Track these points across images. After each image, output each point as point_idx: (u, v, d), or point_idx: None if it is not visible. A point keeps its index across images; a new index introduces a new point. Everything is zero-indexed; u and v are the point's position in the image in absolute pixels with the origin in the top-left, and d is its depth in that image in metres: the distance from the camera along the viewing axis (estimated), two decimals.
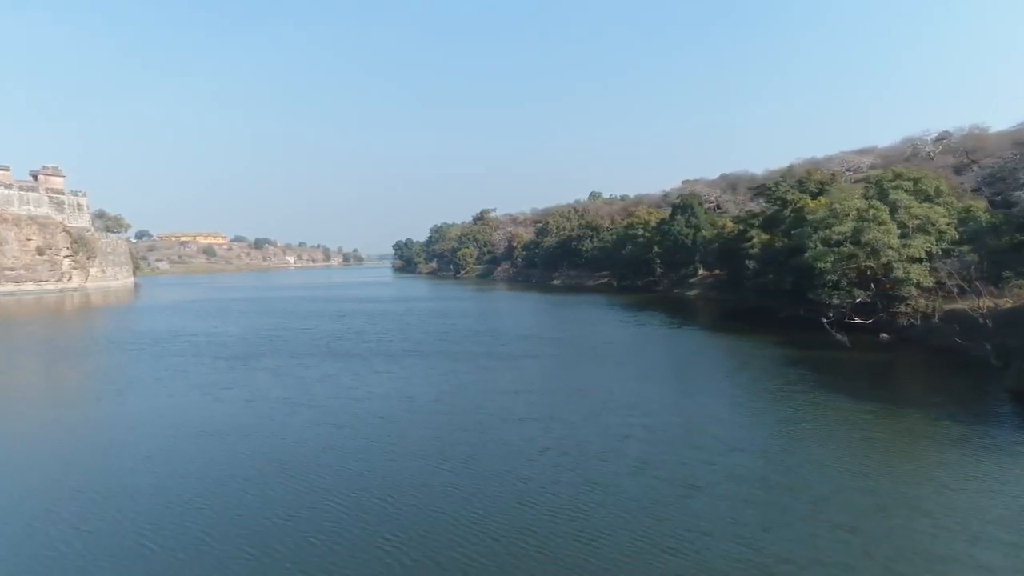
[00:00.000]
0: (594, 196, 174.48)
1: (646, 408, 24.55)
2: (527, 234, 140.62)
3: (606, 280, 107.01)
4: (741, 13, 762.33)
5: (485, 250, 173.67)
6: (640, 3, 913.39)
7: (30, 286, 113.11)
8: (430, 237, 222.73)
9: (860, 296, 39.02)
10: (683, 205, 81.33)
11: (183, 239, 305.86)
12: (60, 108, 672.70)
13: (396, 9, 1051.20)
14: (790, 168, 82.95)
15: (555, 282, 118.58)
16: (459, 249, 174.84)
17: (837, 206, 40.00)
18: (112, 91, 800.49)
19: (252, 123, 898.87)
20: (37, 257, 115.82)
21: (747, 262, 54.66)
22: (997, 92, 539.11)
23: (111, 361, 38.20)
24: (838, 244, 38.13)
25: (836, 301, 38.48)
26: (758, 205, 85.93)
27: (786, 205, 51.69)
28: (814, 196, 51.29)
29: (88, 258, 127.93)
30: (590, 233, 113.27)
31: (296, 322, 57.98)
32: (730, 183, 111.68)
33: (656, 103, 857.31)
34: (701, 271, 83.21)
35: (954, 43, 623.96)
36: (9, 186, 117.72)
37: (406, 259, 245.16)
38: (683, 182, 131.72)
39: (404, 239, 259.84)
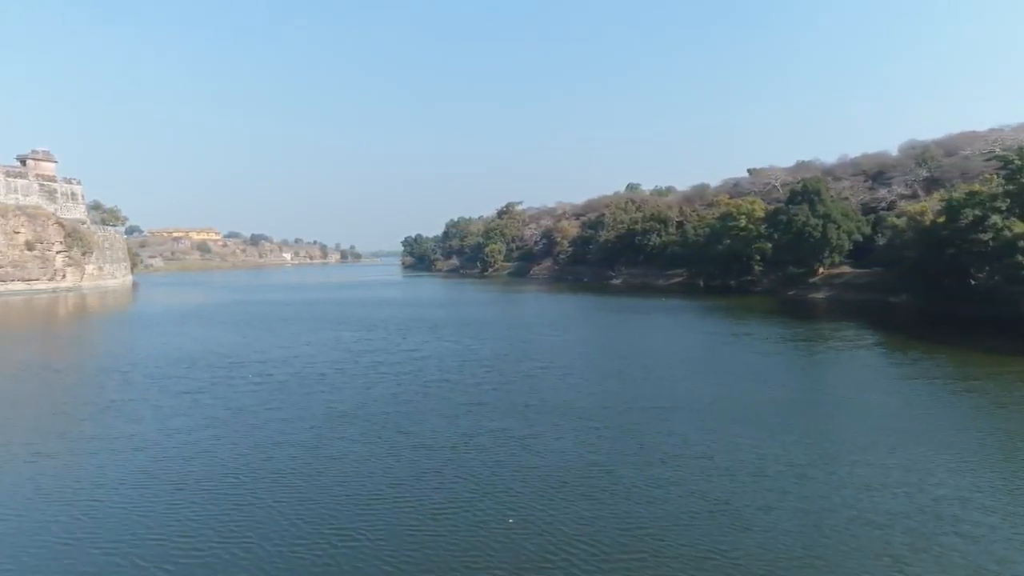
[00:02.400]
0: (632, 188, 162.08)
1: None
2: (572, 228, 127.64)
3: (682, 279, 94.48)
4: (740, 13, 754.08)
5: (513, 246, 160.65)
6: (639, 3, 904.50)
7: (18, 285, 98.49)
8: (446, 232, 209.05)
9: None
10: (805, 191, 68.87)
11: (175, 235, 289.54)
12: (45, 95, 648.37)
13: (395, 9, 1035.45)
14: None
15: (614, 281, 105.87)
16: (485, 245, 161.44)
17: None
18: (102, 79, 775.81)
19: (247, 119, 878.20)
20: (26, 253, 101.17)
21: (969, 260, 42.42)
22: (998, 91, 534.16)
23: (118, 424, 24.84)
24: None
25: None
26: (888, 192, 73.91)
27: None
28: None
29: (84, 254, 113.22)
30: (658, 226, 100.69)
31: (339, 333, 44.85)
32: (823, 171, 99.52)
33: (656, 102, 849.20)
34: (821, 269, 70.95)
35: (959, 40, 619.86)
36: None
37: (417, 256, 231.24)
38: (749, 170, 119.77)
39: (414, 235, 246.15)
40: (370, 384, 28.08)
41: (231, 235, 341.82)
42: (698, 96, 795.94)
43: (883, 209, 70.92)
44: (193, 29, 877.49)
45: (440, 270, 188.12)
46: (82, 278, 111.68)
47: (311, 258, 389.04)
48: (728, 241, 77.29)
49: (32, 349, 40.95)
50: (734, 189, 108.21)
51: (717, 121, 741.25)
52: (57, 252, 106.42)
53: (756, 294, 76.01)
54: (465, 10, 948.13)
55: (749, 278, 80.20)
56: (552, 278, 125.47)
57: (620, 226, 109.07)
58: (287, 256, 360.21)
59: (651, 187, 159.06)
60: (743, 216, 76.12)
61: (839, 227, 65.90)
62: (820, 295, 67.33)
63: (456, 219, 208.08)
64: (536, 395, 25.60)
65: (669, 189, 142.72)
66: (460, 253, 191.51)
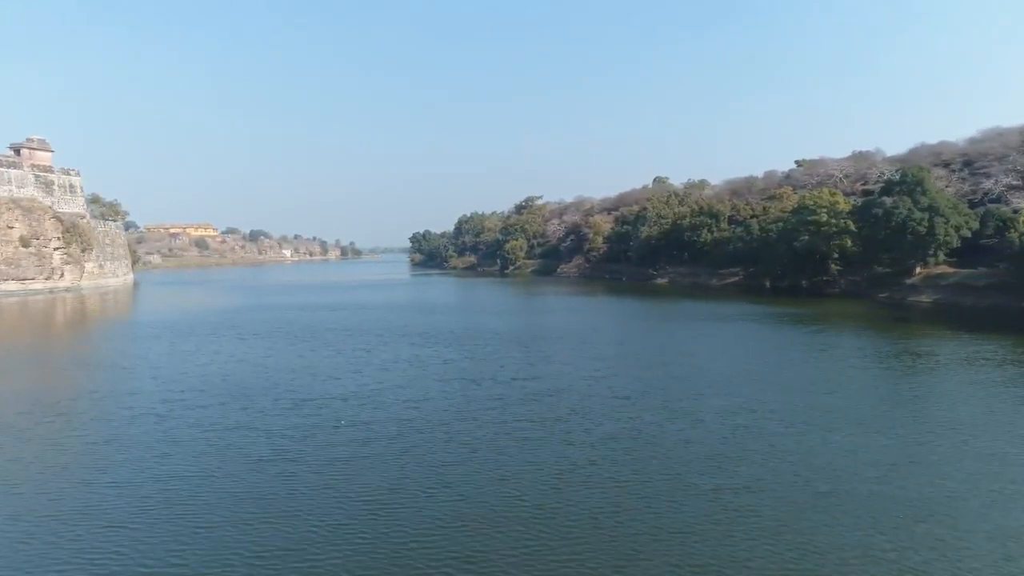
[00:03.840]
0: (659, 181, 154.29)
1: None
2: (605, 223, 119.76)
3: (738, 279, 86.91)
4: (737, 13, 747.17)
5: (535, 242, 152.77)
6: (634, 3, 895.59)
7: (13, 285, 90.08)
8: (459, 228, 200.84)
9: None
10: (904, 181, 61.31)
11: (172, 231, 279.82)
12: (38, 86, 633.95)
13: (393, 9, 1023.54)
14: None
15: (658, 281, 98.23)
16: (505, 241, 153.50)
17: None
18: (96, 68, 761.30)
19: (246, 116, 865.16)
20: (21, 249, 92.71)
21: None
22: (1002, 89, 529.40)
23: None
24: None
25: None
26: (994, 183, 66.49)
27: None
28: None
29: (83, 251, 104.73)
30: (709, 221, 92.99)
31: (411, 349, 36.95)
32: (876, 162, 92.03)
33: (642, 101, 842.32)
34: (918, 268, 63.49)
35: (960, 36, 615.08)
36: None
37: (427, 252, 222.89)
38: (797, 162, 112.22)
39: (421, 231, 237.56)
40: (527, 438, 20.24)
41: (229, 231, 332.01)
42: (706, 88, 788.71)
43: (991, 201, 63.47)
44: (190, 24, 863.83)
45: (455, 268, 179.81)
46: (81, 277, 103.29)
47: (311, 255, 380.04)
48: (806, 237, 69.62)
49: (18, 381, 29.96)
50: (786, 181, 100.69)
51: (720, 116, 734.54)
52: (54, 249, 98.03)
53: (833, 296, 68.52)
54: (463, 9, 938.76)
55: (824, 278, 72.69)
56: (583, 277, 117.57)
57: (663, 221, 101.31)
58: (287, 253, 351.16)
59: (678, 181, 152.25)
60: (823, 209, 68.43)
61: (947, 221, 58.38)
62: (923, 298, 59.81)
63: (469, 214, 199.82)
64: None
65: (703, 182, 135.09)
66: (475, 250, 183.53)
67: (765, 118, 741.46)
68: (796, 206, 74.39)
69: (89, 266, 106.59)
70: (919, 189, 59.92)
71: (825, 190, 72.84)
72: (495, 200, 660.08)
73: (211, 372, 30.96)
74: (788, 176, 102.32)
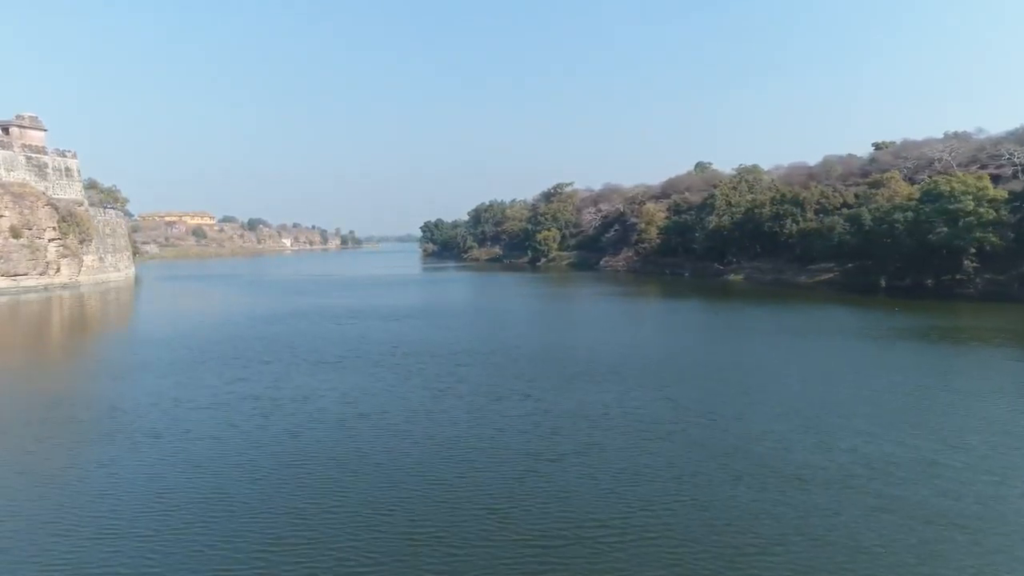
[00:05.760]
0: (701, 167, 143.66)
1: None
2: (658, 211, 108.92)
3: (833, 276, 76.54)
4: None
5: (567, 232, 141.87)
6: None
7: (3, 282, 78.43)
8: (477, 217, 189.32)
9: None
10: None
11: (168, 219, 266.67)
12: (20, 61, 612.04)
13: (392, 6, 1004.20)
14: None
15: (731, 277, 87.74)
16: (536, 231, 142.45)
17: None
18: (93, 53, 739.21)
19: (242, 103, 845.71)
20: (12, 241, 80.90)
21: None
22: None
23: None
24: None
25: None
26: None
27: None
28: None
29: (81, 242, 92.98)
30: (794, 210, 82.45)
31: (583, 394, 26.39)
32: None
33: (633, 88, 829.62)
34: None
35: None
36: None
37: (441, 243, 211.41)
38: (875, 145, 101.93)
39: (434, 219, 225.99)
40: None
41: (226, 219, 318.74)
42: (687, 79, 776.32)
43: None
44: (187, 10, 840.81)
45: (476, 260, 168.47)
46: (79, 271, 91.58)
47: (311, 244, 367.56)
48: (944, 229, 59.23)
49: None
50: (873, 166, 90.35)
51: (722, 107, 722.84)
52: (49, 240, 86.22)
53: (969, 299, 58.38)
54: (458, 5, 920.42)
55: (956, 277, 62.46)
56: (632, 272, 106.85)
57: (734, 210, 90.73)
58: (286, 242, 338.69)
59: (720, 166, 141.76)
60: (967, 197, 57.99)
61: None
62: None
63: (488, 203, 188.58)
64: None
65: (755, 167, 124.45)
66: (497, 240, 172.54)
67: (762, 109, 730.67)
68: (924, 193, 63.89)
69: (88, 259, 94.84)
70: None
71: (968, 175, 62.39)
72: (497, 190, 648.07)
73: (247, 456, 19.91)
74: (874, 160, 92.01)
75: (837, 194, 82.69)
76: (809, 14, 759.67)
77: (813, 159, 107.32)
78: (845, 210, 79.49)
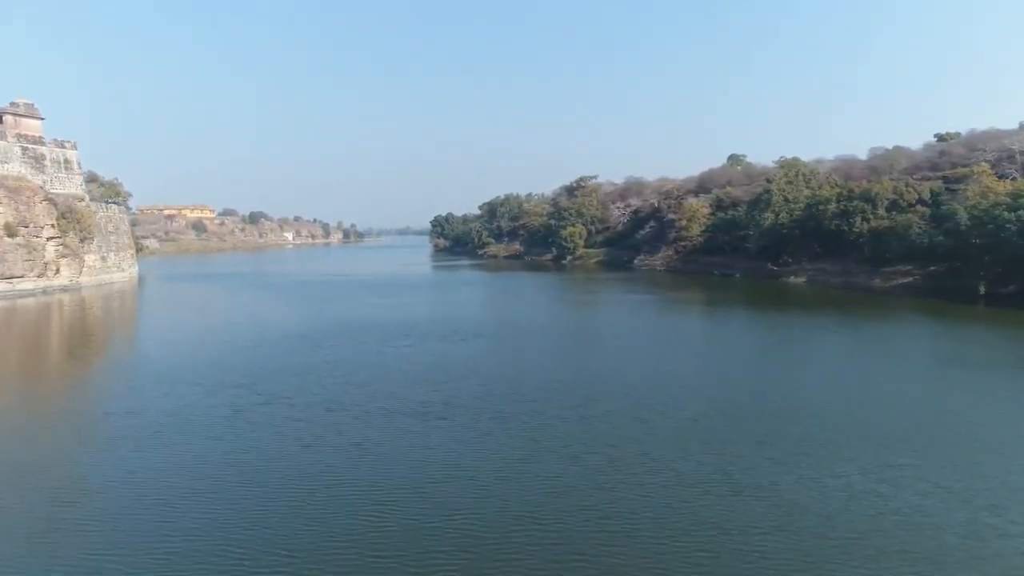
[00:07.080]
0: (735, 159, 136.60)
1: None
2: (702, 207, 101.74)
3: (912, 280, 69.64)
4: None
5: (593, 228, 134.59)
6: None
7: None
8: (492, 211, 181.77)
9: None
10: None
11: (167, 213, 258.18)
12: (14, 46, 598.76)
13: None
14: None
15: (791, 280, 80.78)
16: (560, 227, 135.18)
17: None
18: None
19: (243, 96, 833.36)
20: (7, 240, 73.40)
21: None
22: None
23: None
24: None
25: None
26: None
27: None
28: None
29: (82, 240, 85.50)
30: (864, 206, 75.45)
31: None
32: None
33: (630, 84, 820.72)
34: None
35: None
36: None
37: (453, 238, 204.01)
38: (938, 136, 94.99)
39: (444, 213, 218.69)
40: None
41: (226, 212, 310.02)
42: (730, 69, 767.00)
43: None
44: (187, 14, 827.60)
45: (493, 256, 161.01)
46: (80, 272, 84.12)
47: (313, 238, 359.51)
48: None
49: None
50: (943, 159, 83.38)
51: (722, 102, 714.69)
52: (48, 239, 78.77)
53: None
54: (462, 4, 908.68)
55: None
56: (672, 272, 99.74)
57: (793, 206, 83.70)
58: (288, 236, 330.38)
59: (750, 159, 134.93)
60: None
61: None
62: None
63: (503, 196, 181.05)
64: None
65: (796, 159, 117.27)
66: (514, 235, 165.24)
67: (759, 105, 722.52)
68: None
69: (90, 259, 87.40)
70: None
71: None
72: (499, 185, 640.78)
73: None
74: (943, 154, 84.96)
75: (911, 189, 75.69)
76: (803, 10, 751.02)
77: (830, 152, 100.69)
78: (920, 207, 72.78)
